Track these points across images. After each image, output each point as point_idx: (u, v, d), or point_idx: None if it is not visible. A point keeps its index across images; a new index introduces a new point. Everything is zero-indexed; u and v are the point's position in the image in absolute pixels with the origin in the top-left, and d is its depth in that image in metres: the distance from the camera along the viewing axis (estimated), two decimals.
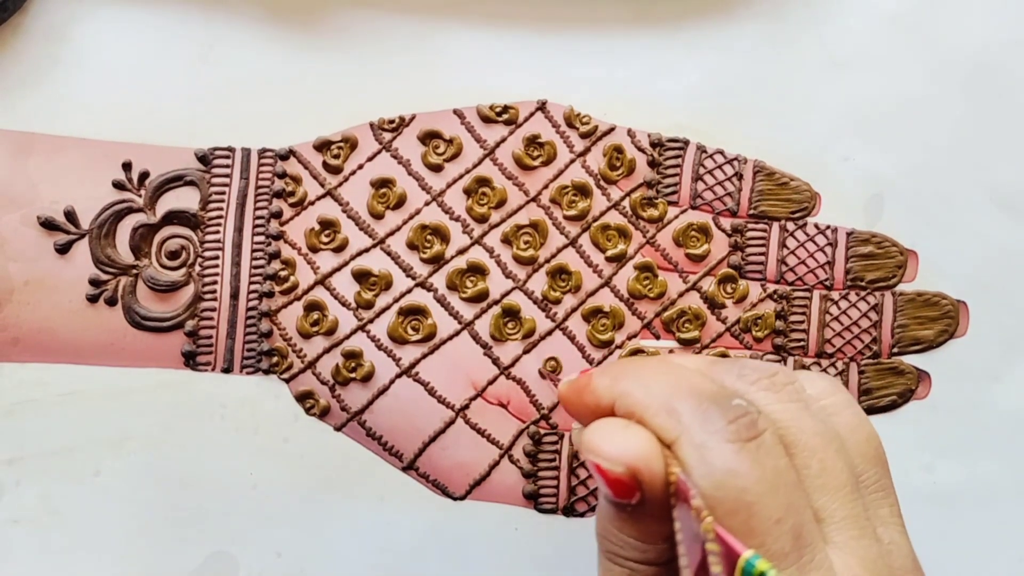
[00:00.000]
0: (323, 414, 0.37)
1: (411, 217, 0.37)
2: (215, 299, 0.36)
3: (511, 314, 0.37)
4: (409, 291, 0.37)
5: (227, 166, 0.37)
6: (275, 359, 0.36)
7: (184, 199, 0.37)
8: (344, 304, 0.37)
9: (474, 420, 0.37)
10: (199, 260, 0.36)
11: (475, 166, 0.38)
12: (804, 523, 0.23)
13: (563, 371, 0.37)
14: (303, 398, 0.36)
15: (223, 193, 0.37)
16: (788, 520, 0.23)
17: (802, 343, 0.38)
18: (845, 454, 0.25)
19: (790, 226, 0.38)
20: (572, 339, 0.37)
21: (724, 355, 0.38)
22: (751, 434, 0.23)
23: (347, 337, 0.37)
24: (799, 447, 0.25)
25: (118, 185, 0.36)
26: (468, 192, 0.38)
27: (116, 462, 0.36)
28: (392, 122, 0.38)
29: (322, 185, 0.37)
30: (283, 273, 0.37)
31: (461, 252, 0.37)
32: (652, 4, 0.39)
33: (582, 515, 0.37)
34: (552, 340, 0.37)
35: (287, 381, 0.37)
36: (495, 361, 0.37)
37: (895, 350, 0.38)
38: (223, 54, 0.37)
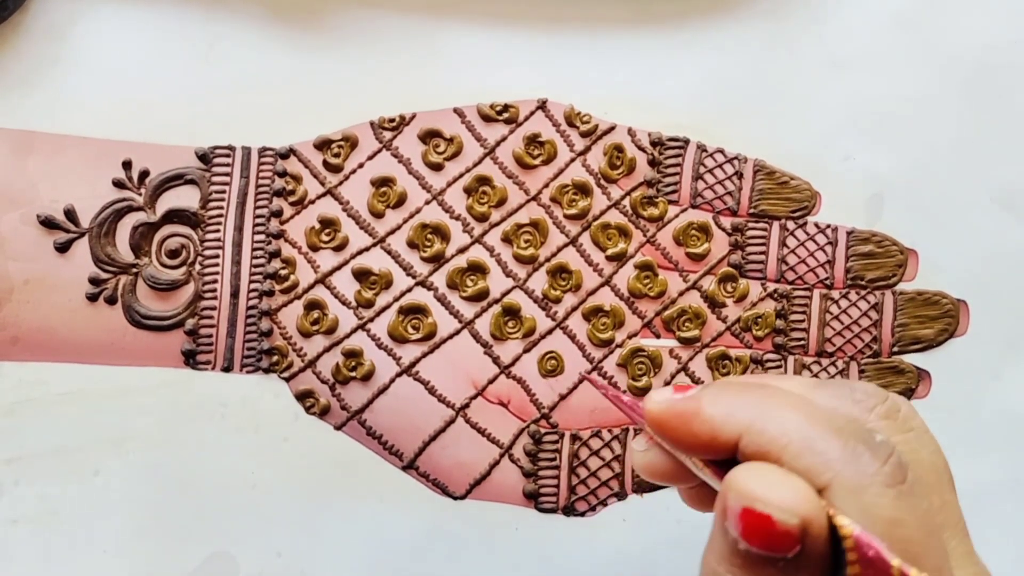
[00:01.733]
0: (323, 413, 0.37)
1: (411, 216, 0.37)
2: (215, 298, 0.36)
3: (511, 313, 0.37)
4: (409, 290, 0.37)
5: (227, 165, 0.37)
6: (275, 358, 0.36)
7: (184, 198, 0.37)
8: (344, 303, 0.37)
9: (474, 419, 0.37)
10: (199, 259, 0.36)
11: (475, 165, 0.38)
12: (950, 567, 0.22)
13: (577, 373, 0.37)
14: (303, 397, 0.36)
15: (223, 192, 0.37)
16: (944, 568, 0.22)
17: (802, 342, 0.38)
18: (948, 485, 0.24)
19: (790, 225, 0.38)
20: (572, 338, 0.37)
21: (725, 355, 0.38)
22: (903, 476, 0.22)
23: (347, 336, 0.37)
24: (920, 483, 0.23)
25: (118, 184, 0.36)
26: (468, 191, 0.38)
27: (116, 462, 0.36)
28: (392, 121, 0.38)
29: (322, 184, 0.37)
30: (283, 272, 0.37)
31: (461, 251, 0.37)
32: (652, 4, 0.39)
33: (582, 514, 0.37)
34: (552, 339, 0.37)
35: (287, 380, 0.36)
36: (495, 360, 0.37)
37: (895, 349, 0.38)
38: (223, 53, 0.37)
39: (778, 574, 0.22)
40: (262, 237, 0.37)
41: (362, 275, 0.37)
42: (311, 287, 0.37)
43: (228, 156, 0.37)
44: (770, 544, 0.21)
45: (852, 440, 0.22)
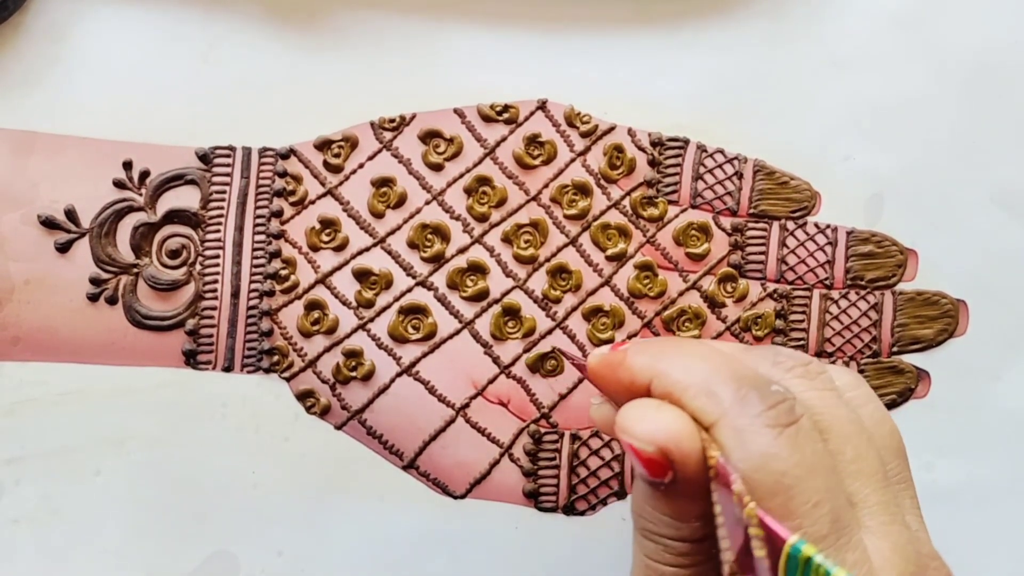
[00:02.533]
0: (324, 413, 0.37)
1: (411, 216, 0.37)
2: (216, 298, 0.36)
3: (511, 313, 0.37)
4: (409, 290, 0.37)
5: (228, 165, 0.37)
6: (276, 358, 0.36)
7: (185, 198, 0.37)
8: (345, 303, 0.37)
9: (474, 419, 0.37)
10: (200, 259, 0.37)
11: (475, 165, 0.38)
12: (841, 507, 0.24)
13: (563, 372, 0.38)
14: (304, 397, 0.36)
15: (224, 192, 0.37)
16: (826, 503, 0.23)
17: (802, 342, 0.38)
18: (874, 442, 0.26)
19: (790, 225, 0.38)
20: (572, 338, 0.37)
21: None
22: (789, 419, 0.24)
23: (348, 336, 0.37)
24: (833, 433, 0.25)
25: (119, 184, 0.36)
26: (468, 191, 0.38)
27: (116, 461, 0.36)
28: (392, 121, 0.38)
29: (323, 184, 0.37)
30: (284, 272, 0.37)
31: (461, 251, 0.37)
32: (652, 4, 0.39)
33: (582, 514, 0.37)
34: (552, 339, 0.37)
35: (288, 380, 0.37)
36: (495, 360, 0.37)
37: (895, 349, 0.38)
38: (224, 53, 0.37)
39: (667, 501, 0.25)
40: (262, 237, 0.37)
41: (362, 275, 0.37)
42: (311, 287, 0.37)
43: (228, 156, 0.37)
44: (648, 471, 0.24)
45: (746, 387, 0.24)
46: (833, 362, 0.38)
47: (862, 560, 0.23)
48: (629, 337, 0.38)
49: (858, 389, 0.27)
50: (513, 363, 0.37)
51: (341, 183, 0.37)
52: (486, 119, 0.38)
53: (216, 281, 0.36)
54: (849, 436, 0.25)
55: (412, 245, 0.37)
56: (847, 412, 0.26)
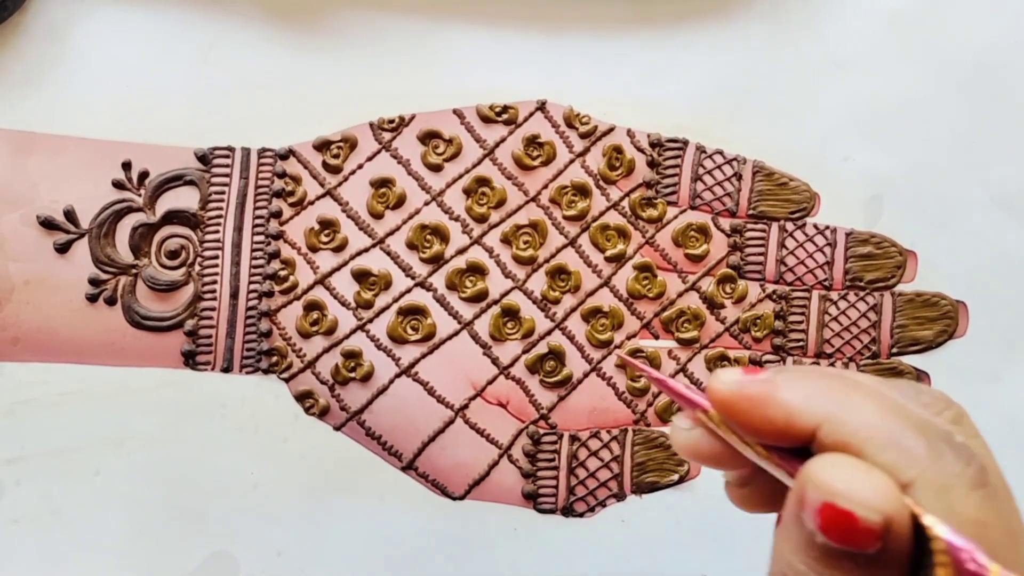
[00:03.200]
0: (323, 414, 0.37)
1: (411, 217, 0.37)
2: (215, 299, 0.36)
3: (510, 314, 0.37)
4: (408, 291, 0.37)
5: (227, 166, 0.37)
6: (275, 359, 0.36)
7: (184, 199, 0.37)
8: (344, 304, 0.37)
9: (473, 420, 0.37)
10: (199, 260, 0.37)
11: (475, 166, 0.38)
12: None
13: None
14: (303, 398, 0.37)
15: (223, 193, 0.37)
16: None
17: (801, 343, 0.38)
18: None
19: (789, 226, 0.38)
20: (571, 339, 0.37)
21: (724, 356, 0.38)
22: (985, 479, 0.21)
23: (346, 337, 0.37)
24: (1001, 487, 0.22)
25: (118, 184, 0.36)
26: (468, 192, 0.38)
27: (116, 462, 0.36)
28: (392, 122, 0.38)
29: (322, 185, 0.37)
30: (283, 273, 0.37)
31: (460, 252, 0.37)
32: (652, 4, 0.39)
33: (581, 515, 0.37)
34: (551, 340, 0.37)
35: (287, 381, 0.37)
36: (494, 361, 0.37)
37: (894, 350, 0.38)
38: (223, 54, 0.37)
39: (857, 570, 0.21)
40: (261, 238, 0.37)
41: (361, 276, 0.37)
42: (310, 288, 0.37)
43: (227, 157, 0.37)
44: (851, 540, 0.21)
45: (935, 439, 0.21)
46: (832, 363, 0.38)
47: None
48: (629, 338, 0.38)
49: (975, 427, 0.24)
50: (512, 364, 0.37)
51: (340, 184, 0.37)
52: (485, 120, 0.38)
53: (215, 282, 0.36)
54: (1009, 489, 0.22)
55: (411, 246, 0.37)
56: (993, 460, 0.23)
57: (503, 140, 0.38)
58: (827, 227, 0.38)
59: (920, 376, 0.38)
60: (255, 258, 0.37)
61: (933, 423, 0.22)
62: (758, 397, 0.23)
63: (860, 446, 0.21)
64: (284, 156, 0.37)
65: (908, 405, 0.23)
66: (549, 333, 0.37)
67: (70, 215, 0.36)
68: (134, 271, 0.36)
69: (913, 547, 0.21)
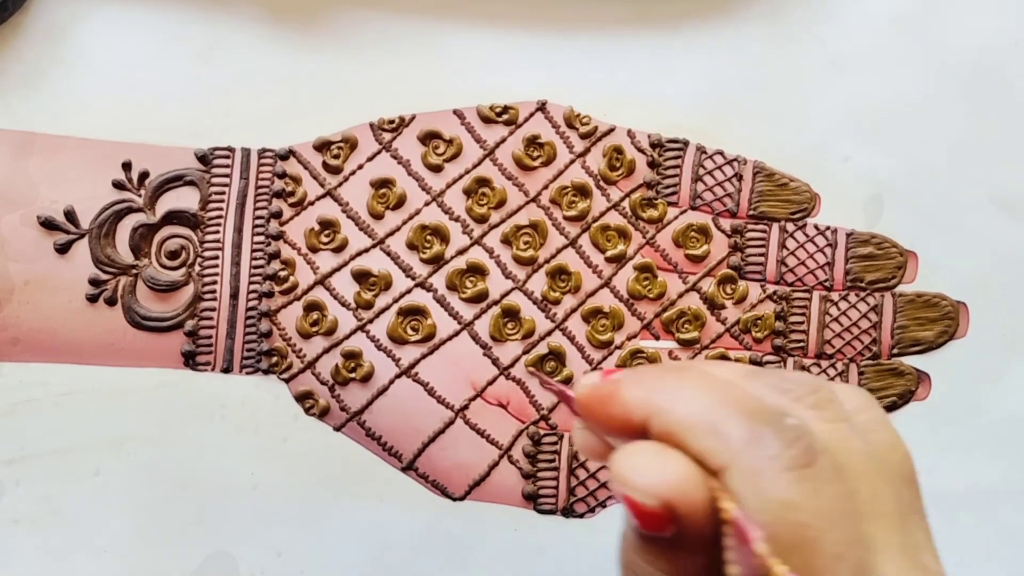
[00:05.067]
0: (323, 414, 0.37)
1: (411, 217, 0.37)
2: (215, 299, 0.36)
3: (511, 314, 0.37)
4: (409, 291, 0.37)
5: (227, 166, 0.37)
6: (275, 359, 0.36)
7: (184, 199, 0.37)
8: (344, 304, 0.37)
9: (473, 420, 0.37)
10: (199, 260, 0.37)
11: (475, 166, 0.38)
12: (864, 556, 0.22)
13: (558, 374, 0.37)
14: (303, 398, 0.37)
15: (223, 193, 0.37)
16: (849, 556, 0.21)
17: (802, 344, 0.38)
18: (889, 477, 0.24)
19: (790, 227, 0.38)
20: (572, 339, 0.37)
21: (724, 356, 0.38)
22: (809, 460, 0.21)
23: (347, 337, 0.37)
24: (848, 471, 0.23)
25: (118, 185, 0.36)
26: (468, 192, 0.38)
27: (116, 462, 0.36)
28: (392, 122, 0.38)
29: (322, 185, 0.37)
30: (283, 273, 0.37)
31: (461, 252, 0.37)
32: (652, 4, 0.39)
33: (581, 516, 0.37)
34: (551, 340, 0.37)
35: (287, 381, 0.37)
36: (495, 361, 0.37)
37: (895, 351, 0.38)
38: (223, 54, 0.37)
39: (665, 554, 0.22)
40: (261, 238, 0.37)
41: (361, 276, 0.37)
42: (310, 288, 0.37)
43: (228, 157, 0.37)
44: (648, 525, 0.22)
45: (758, 423, 0.22)
46: (833, 364, 0.38)
47: None
48: (629, 338, 0.38)
49: (869, 412, 0.25)
50: (512, 364, 0.37)
51: (340, 184, 0.37)
52: (486, 120, 0.38)
53: (215, 282, 0.36)
54: (864, 474, 0.23)
55: (411, 246, 0.37)
56: (861, 445, 0.23)
57: (503, 140, 0.38)
58: (828, 228, 0.38)
59: (921, 377, 0.38)
60: (255, 258, 0.37)
61: (768, 408, 0.23)
62: (605, 396, 0.24)
63: (681, 435, 0.22)
64: (284, 156, 0.37)
65: (763, 394, 0.23)
66: (549, 334, 0.37)
67: (70, 215, 0.36)
68: (134, 271, 0.36)
69: (719, 530, 0.21)
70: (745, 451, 0.21)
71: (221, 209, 0.37)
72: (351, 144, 0.37)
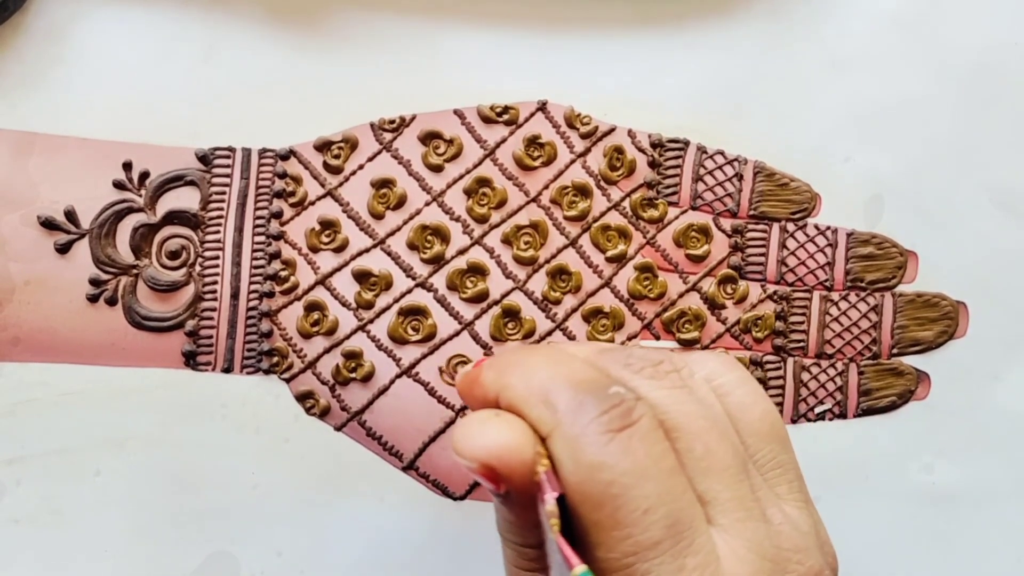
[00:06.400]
0: (323, 414, 0.37)
1: (411, 217, 0.37)
2: (215, 299, 0.36)
3: (511, 314, 0.37)
4: (409, 291, 0.37)
5: (227, 166, 0.37)
6: (275, 359, 0.36)
7: (184, 199, 0.37)
8: (344, 304, 0.37)
9: None
10: (199, 260, 0.37)
11: (475, 166, 0.38)
12: (682, 508, 0.23)
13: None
14: (303, 398, 0.37)
15: (223, 193, 0.37)
16: (660, 508, 0.23)
17: (802, 344, 0.38)
18: (732, 435, 0.25)
19: (790, 227, 0.38)
20: (572, 339, 0.37)
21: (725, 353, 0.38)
22: (624, 423, 0.23)
23: (347, 337, 0.37)
24: (681, 431, 0.24)
25: (118, 185, 0.36)
26: (468, 192, 0.38)
27: (116, 462, 0.36)
28: (392, 122, 0.38)
29: (322, 185, 0.37)
30: (283, 273, 0.37)
31: (461, 252, 0.37)
32: (652, 4, 0.39)
33: None
34: (552, 341, 0.37)
35: (287, 381, 0.37)
36: None
37: (895, 351, 0.38)
38: (224, 54, 0.37)
39: (507, 506, 0.25)
40: (262, 238, 0.37)
41: (362, 276, 0.37)
42: (311, 288, 0.37)
43: (228, 157, 0.37)
44: (484, 481, 0.24)
45: (582, 392, 0.24)
46: (833, 363, 0.38)
47: (706, 563, 0.23)
48: (630, 338, 0.38)
49: (727, 375, 0.27)
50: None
51: (341, 184, 0.37)
52: (486, 120, 0.38)
53: (216, 282, 0.36)
54: (699, 432, 0.24)
55: (412, 246, 0.37)
56: (698, 407, 0.25)
57: (504, 140, 0.38)
58: (828, 228, 0.39)
59: (921, 377, 0.38)
60: (256, 258, 0.37)
61: (595, 379, 0.24)
62: (471, 380, 0.26)
63: (518, 407, 0.24)
64: (285, 156, 0.37)
65: (609, 368, 0.25)
66: (550, 334, 0.37)
67: (71, 215, 0.36)
68: (135, 271, 0.36)
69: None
70: (566, 418, 0.23)
71: (222, 209, 0.37)
72: (352, 144, 0.38)
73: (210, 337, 0.36)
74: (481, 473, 0.24)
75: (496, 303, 0.37)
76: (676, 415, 0.25)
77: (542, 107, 0.38)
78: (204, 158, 0.37)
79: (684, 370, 0.26)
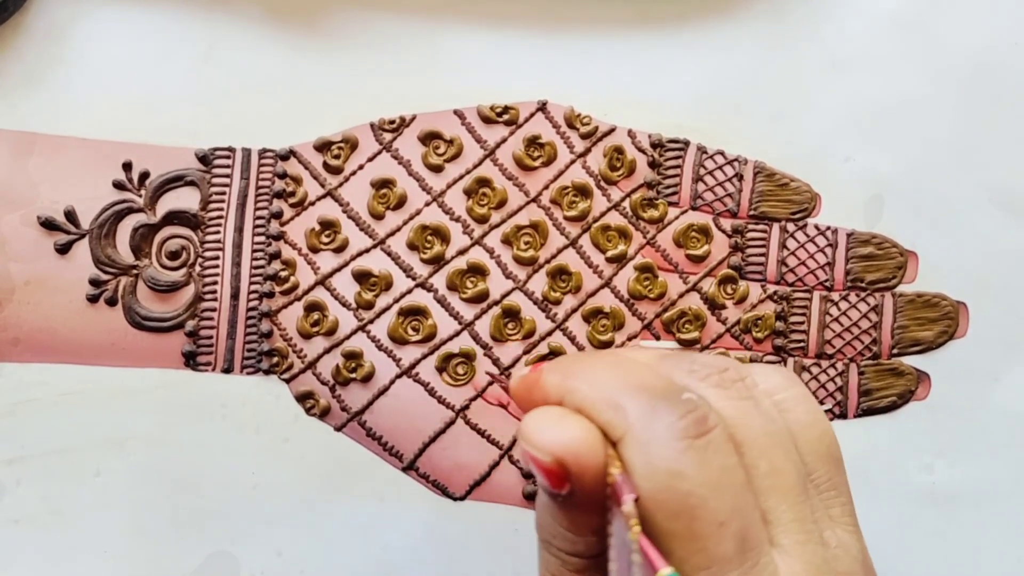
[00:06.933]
0: (323, 414, 0.37)
1: (411, 217, 0.37)
2: (215, 299, 0.36)
3: (511, 315, 0.37)
4: (409, 291, 0.37)
5: (227, 166, 0.37)
6: (275, 359, 0.36)
7: (184, 199, 0.37)
8: (344, 304, 0.37)
9: (474, 420, 0.37)
10: (199, 260, 0.37)
11: (475, 167, 0.38)
12: (750, 526, 0.23)
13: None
14: (303, 398, 0.37)
15: (223, 193, 0.37)
16: (733, 523, 0.22)
17: (802, 344, 0.38)
18: (795, 453, 0.25)
19: (790, 227, 0.38)
20: (572, 340, 0.37)
21: (725, 355, 0.38)
22: (700, 431, 0.23)
23: (347, 337, 0.37)
24: (748, 446, 0.24)
25: (118, 185, 0.36)
26: (468, 192, 0.38)
27: (116, 462, 0.36)
28: (392, 122, 0.38)
29: (322, 185, 0.37)
30: (283, 273, 0.37)
31: (461, 252, 0.37)
32: (652, 4, 0.39)
33: None
34: (552, 341, 0.37)
35: (287, 381, 0.37)
36: (495, 362, 0.37)
37: (895, 351, 0.38)
38: (224, 54, 0.37)
39: (565, 510, 0.24)
40: (262, 239, 0.37)
41: (362, 277, 0.37)
42: (311, 289, 0.37)
43: (228, 158, 0.37)
44: (548, 481, 0.23)
45: (655, 397, 0.23)
46: (833, 364, 0.38)
47: None
48: (630, 339, 0.38)
49: (788, 391, 0.26)
50: (513, 365, 0.37)
51: (341, 184, 0.37)
52: (486, 120, 0.38)
53: (216, 282, 0.36)
54: (764, 448, 0.24)
55: (412, 246, 0.37)
56: (764, 422, 0.25)
57: (504, 141, 0.38)
58: (828, 228, 0.38)
59: (921, 377, 0.38)
60: (256, 259, 0.37)
61: (668, 385, 0.24)
62: (530, 384, 0.26)
63: (587, 410, 0.24)
64: (285, 157, 0.37)
65: (672, 374, 0.25)
66: (550, 334, 0.37)
67: (71, 216, 0.36)
68: (135, 272, 0.36)
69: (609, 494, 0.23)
70: (639, 422, 0.23)
71: (222, 209, 0.37)
72: (352, 144, 0.37)
73: (210, 337, 0.36)
74: (550, 469, 0.23)
75: (496, 303, 0.37)
76: (743, 428, 0.24)
77: (542, 107, 0.38)
78: (204, 158, 0.37)
79: (748, 379, 0.26)
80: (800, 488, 0.24)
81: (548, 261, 0.38)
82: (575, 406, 0.24)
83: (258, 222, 0.37)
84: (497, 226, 0.38)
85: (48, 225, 0.36)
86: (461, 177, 0.38)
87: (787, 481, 0.24)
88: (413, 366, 0.37)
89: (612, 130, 0.38)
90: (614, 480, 0.23)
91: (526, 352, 0.37)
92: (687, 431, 0.23)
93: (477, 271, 0.37)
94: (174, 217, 0.37)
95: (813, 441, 0.26)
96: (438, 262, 0.37)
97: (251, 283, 0.37)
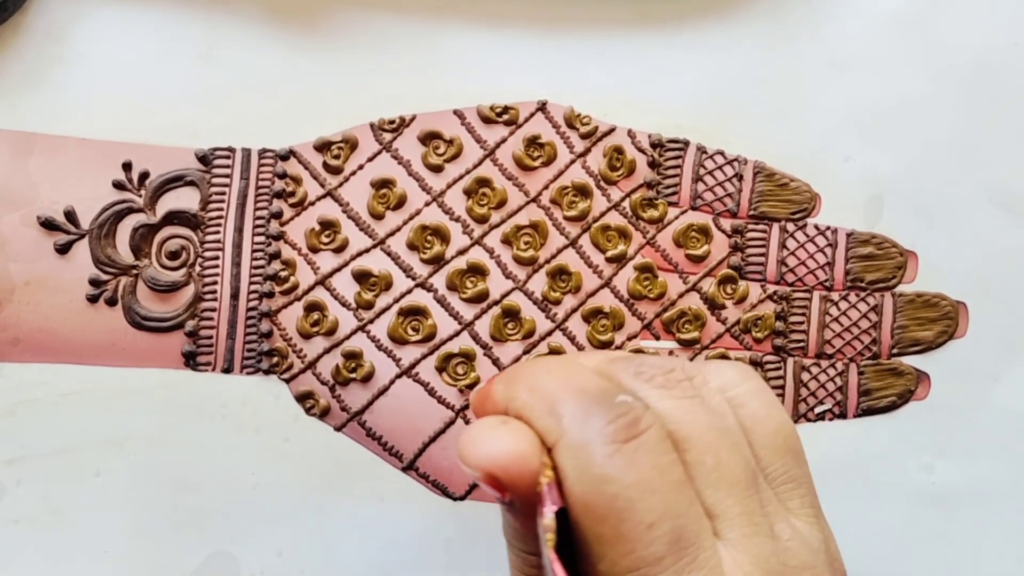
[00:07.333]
0: (323, 414, 0.37)
1: (411, 217, 0.37)
2: (215, 299, 0.36)
3: (511, 315, 0.37)
4: (409, 291, 0.37)
5: (227, 166, 0.37)
6: (275, 359, 0.36)
7: (184, 199, 0.37)
8: (344, 304, 0.37)
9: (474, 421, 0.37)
10: (199, 260, 0.37)
11: (475, 167, 0.38)
12: (687, 524, 0.23)
13: None
14: (303, 398, 0.37)
15: (223, 193, 0.37)
16: (665, 523, 0.22)
17: (802, 344, 0.38)
18: (744, 448, 0.25)
19: (790, 227, 0.38)
20: (572, 340, 0.37)
21: (725, 357, 0.38)
22: (631, 434, 0.23)
23: (347, 337, 0.37)
24: (692, 443, 0.24)
25: (118, 185, 0.36)
26: (468, 192, 0.38)
27: (116, 462, 0.36)
28: (392, 122, 0.38)
29: (322, 185, 0.37)
30: (283, 273, 0.37)
31: (461, 252, 0.37)
32: (652, 4, 0.39)
33: None
34: (552, 341, 0.37)
35: (287, 381, 0.37)
36: (495, 362, 0.37)
37: (895, 351, 0.38)
38: (224, 54, 0.37)
39: (512, 514, 0.24)
40: (262, 239, 0.37)
41: (362, 277, 0.37)
42: (311, 289, 0.37)
43: (228, 158, 0.37)
44: (488, 490, 0.24)
45: (591, 402, 0.23)
46: (833, 364, 0.38)
47: None
48: (630, 339, 0.38)
49: (742, 386, 0.26)
50: (513, 364, 0.37)
51: (341, 184, 0.37)
52: (486, 120, 0.38)
53: (216, 282, 0.36)
54: (709, 444, 0.24)
55: (412, 246, 0.37)
56: (710, 418, 0.25)
57: (504, 141, 0.38)
58: (828, 228, 0.38)
59: (920, 377, 0.38)
60: (256, 259, 0.37)
61: (604, 389, 0.24)
62: (484, 395, 0.26)
63: (526, 416, 0.24)
64: (285, 157, 0.37)
65: (620, 378, 0.25)
66: (550, 334, 0.37)
67: (70, 216, 0.36)
68: (135, 272, 0.36)
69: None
70: (571, 427, 0.23)
71: (221, 209, 0.37)
72: (351, 144, 0.37)
73: (210, 337, 0.36)
74: (485, 481, 0.23)
75: (496, 303, 0.37)
76: (686, 426, 0.24)
77: (542, 107, 0.38)
78: (204, 158, 0.37)
79: (697, 379, 0.26)
80: (748, 481, 0.24)
81: (548, 261, 0.38)
82: (515, 413, 0.24)
83: (258, 222, 0.37)
84: (497, 226, 0.38)
85: (48, 225, 0.36)
86: (461, 177, 0.38)
87: (733, 475, 0.24)
88: (413, 366, 0.37)
89: (612, 130, 0.38)
90: (541, 489, 0.23)
91: (526, 352, 0.37)
92: (616, 435, 0.23)
93: (477, 271, 0.37)
94: (174, 217, 0.37)
95: (768, 435, 0.25)
96: (438, 262, 0.37)
97: (251, 283, 0.37)
